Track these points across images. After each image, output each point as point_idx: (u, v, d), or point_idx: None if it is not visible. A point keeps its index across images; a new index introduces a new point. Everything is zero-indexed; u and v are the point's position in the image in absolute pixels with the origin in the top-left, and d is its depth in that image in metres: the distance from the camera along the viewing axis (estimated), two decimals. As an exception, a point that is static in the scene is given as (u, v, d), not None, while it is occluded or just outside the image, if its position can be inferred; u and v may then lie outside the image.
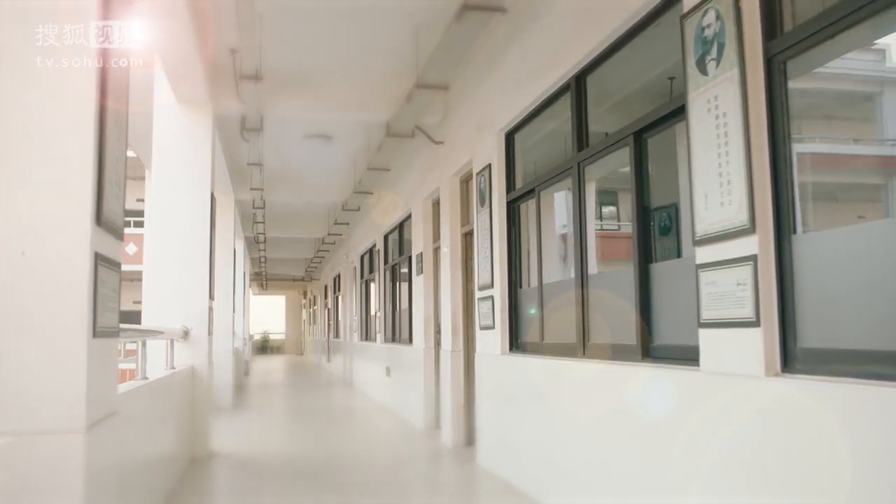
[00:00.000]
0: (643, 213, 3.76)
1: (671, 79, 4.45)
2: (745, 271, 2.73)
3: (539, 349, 5.00)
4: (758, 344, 2.66)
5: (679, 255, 4.68)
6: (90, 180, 2.17)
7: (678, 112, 3.38)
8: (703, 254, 2.98)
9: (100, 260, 2.27)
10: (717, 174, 2.89)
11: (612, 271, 4.64)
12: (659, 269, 3.64)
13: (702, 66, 3.01)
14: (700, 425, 2.95)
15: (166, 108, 6.73)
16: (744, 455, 2.68)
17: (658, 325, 3.59)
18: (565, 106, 4.68)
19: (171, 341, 5.83)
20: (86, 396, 2.12)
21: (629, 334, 3.76)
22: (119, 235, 2.53)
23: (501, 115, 5.64)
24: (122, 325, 3.83)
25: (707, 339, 2.96)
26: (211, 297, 6.86)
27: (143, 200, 11.65)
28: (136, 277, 11.53)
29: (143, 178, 11.55)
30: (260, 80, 5.99)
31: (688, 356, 3.21)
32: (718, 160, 2.88)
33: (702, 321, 2.98)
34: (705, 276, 2.96)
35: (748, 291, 2.71)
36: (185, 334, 6.36)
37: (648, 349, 3.62)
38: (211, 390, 6.91)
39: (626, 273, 3.86)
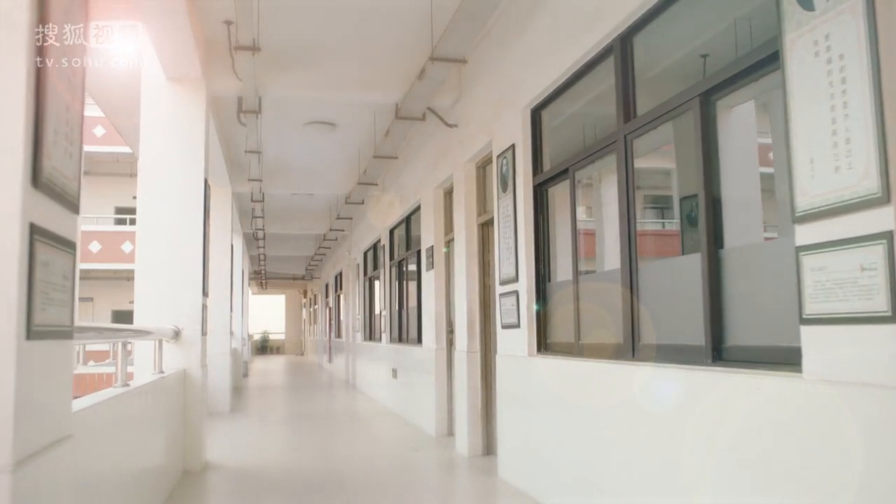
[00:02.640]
0: (712, 188, 3.17)
1: (704, 56, 3.89)
2: (875, 252, 2.14)
3: (574, 350, 4.41)
4: (893, 345, 2.08)
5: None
6: (20, 123, 1.58)
7: (763, 64, 2.80)
8: (808, 233, 2.39)
9: (38, 234, 1.68)
10: (829, 132, 2.31)
11: (670, 260, 4.05)
12: (735, 256, 3.05)
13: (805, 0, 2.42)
14: (807, 446, 2.36)
15: (155, 86, 6.15)
16: (883, 487, 2.09)
17: (733, 321, 3.00)
18: (607, 72, 4.10)
19: (160, 342, 5.24)
20: (13, 423, 1.53)
21: (694, 333, 3.17)
22: (71, 205, 1.94)
23: (527, 90, 5.05)
24: (94, 325, 3.22)
25: (814, 339, 2.37)
26: (205, 293, 6.27)
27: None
28: (133, 276, 10.98)
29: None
30: (257, 51, 5.40)
31: (777, 359, 2.63)
32: (832, 114, 2.30)
33: (805, 316, 2.39)
34: (811, 261, 2.38)
35: (879, 278, 2.13)
36: (176, 335, 5.77)
37: (720, 350, 3.04)
38: (205, 395, 6.32)
39: (690, 261, 3.27)
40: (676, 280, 3.48)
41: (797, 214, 2.43)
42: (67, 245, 1.93)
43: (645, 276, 3.71)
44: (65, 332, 1.91)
